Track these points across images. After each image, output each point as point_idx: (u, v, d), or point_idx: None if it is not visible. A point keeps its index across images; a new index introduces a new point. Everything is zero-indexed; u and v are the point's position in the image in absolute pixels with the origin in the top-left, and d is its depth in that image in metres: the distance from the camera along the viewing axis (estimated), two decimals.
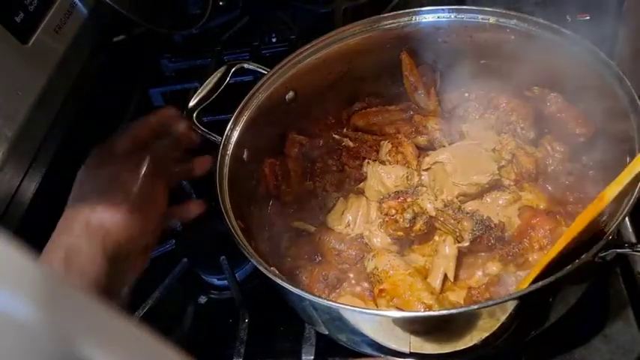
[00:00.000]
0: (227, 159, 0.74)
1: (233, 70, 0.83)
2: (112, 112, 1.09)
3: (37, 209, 0.76)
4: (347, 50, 0.87)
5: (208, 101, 0.81)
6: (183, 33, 1.18)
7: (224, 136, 0.76)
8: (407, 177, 0.80)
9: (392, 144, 0.85)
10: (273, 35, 1.18)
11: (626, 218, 0.79)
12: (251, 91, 0.80)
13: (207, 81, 0.82)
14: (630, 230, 0.80)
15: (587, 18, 0.91)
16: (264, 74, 0.83)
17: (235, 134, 0.77)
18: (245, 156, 0.78)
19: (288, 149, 0.87)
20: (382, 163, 0.85)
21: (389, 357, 0.67)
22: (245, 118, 0.79)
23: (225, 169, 0.73)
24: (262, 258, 0.65)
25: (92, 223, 0.60)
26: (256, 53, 1.16)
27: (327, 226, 0.81)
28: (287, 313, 0.69)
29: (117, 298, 0.62)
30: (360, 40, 0.86)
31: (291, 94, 0.86)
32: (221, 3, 1.15)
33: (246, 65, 0.85)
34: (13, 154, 0.69)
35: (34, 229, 0.66)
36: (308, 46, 0.85)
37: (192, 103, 0.81)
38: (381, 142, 0.87)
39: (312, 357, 0.73)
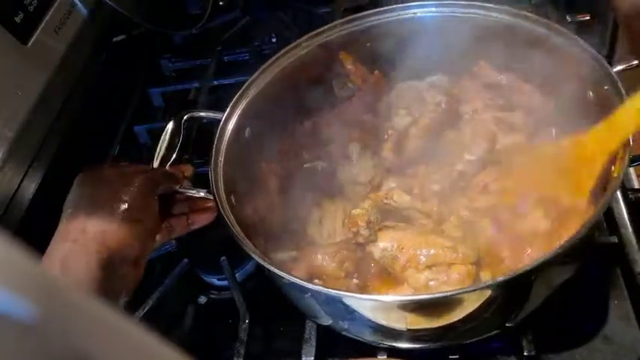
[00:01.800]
0: (221, 210, 0.70)
1: (185, 118, 0.78)
2: (112, 112, 1.09)
3: (37, 209, 0.76)
4: (289, 71, 0.84)
5: (174, 157, 0.76)
6: (183, 33, 1.18)
7: (211, 190, 0.72)
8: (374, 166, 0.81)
9: (359, 143, 0.84)
10: (273, 35, 1.18)
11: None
12: (215, 142, 0.76)
13: (162, 139, 0.77)
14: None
15: (588, 18, 0.91)
16: (219, 119, 0.78)
17: (219, 183, 0.72)
18: (233, 201, 0.74)
19: (266, 183, 0.83)
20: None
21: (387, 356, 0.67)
22: (221, 164, 0.75)
23: (229, 220, 0.69)
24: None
25: (88, 231, 0.61)
26: (256, 53, 1.16)
27: (309, 244, 0.78)
28: (287, 314, 0.69)
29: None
30: (299, 59, 0.84)
31: (248, 130, 0.80)
32: (221, 3, 1.15)
33: (195, 114, 0.80)
34: (13, 154, 0.69)
35: (34, 229, 0.66)
36: (255, 76, 0.81)
37: (155, 165, 0.76)
38: (349, 147, 0.85)
39: (313, 358, 0.73)
